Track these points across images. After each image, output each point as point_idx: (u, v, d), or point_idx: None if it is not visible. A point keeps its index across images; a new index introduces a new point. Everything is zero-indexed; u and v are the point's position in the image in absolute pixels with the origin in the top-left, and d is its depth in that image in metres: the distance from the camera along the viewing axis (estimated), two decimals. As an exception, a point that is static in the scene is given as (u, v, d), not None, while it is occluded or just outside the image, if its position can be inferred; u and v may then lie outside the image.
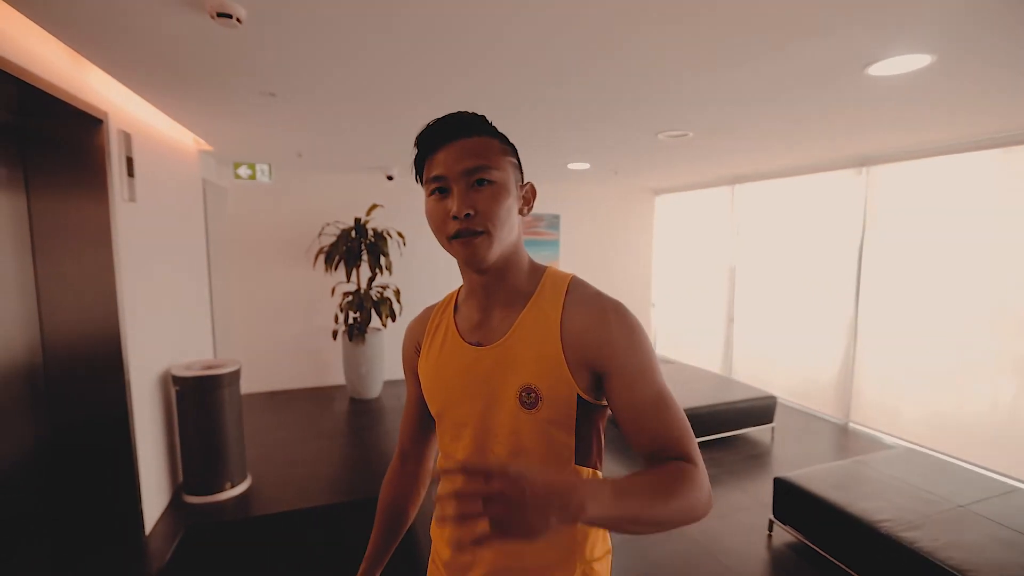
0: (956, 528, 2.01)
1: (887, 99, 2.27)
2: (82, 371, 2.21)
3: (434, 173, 0.73)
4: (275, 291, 4.79)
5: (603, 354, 0.71)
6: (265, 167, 4.17)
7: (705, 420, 3.50)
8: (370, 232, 4.55)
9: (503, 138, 0.78)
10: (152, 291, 2.62)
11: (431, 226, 0.75)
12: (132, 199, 2.37)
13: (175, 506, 2.73)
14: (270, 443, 3.61)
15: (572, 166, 4.46)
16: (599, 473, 0.79)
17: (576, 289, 0.78)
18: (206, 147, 3.60)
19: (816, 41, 1.64)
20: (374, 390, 4.64)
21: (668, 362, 5.92)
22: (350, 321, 4.55)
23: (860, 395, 3.96)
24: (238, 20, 1.46)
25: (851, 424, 4.01)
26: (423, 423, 0.94)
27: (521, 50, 1.76)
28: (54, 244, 2.13)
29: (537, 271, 0.81)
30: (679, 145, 3.41)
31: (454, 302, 0.87)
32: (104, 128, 2.13)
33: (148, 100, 2.47)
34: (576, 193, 5.88)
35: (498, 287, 0.78)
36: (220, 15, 1.43)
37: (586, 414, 0.74)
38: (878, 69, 1.85)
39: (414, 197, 5.06)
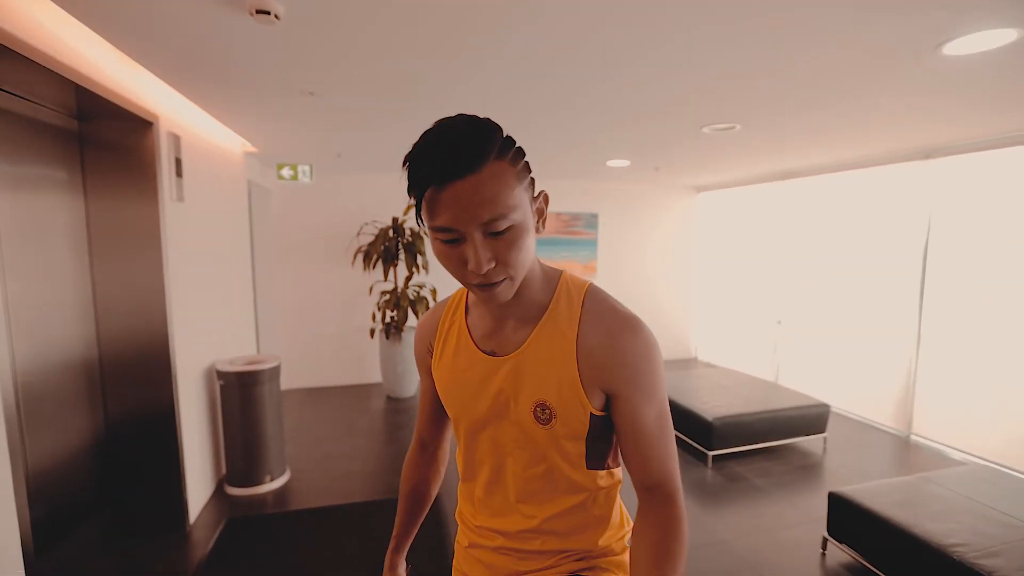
0: (1042, 557, 1.81)
1: (963, 81, 2.07)
2: (133, 365, 2.30)
3: (440, 223, 0.62)
4: (315, 289, 4.90)
5: (615, 377, 0.71)
6: (306, 168, 4.26)
7: (751, 428, 3.32)
8: (407, 231, 4.58)
9: (512, 152, 0.65)
10: (198, 288, 2.70)
11: (446, 268, 0.67)
12: (180, 199, 2.45)
13: (218, 497, 2.81)
14: (309, 438, 3.68)
15: (611, 163, 4.35)
16: (614, 470, 0.83)
17: (592, 302, 0.75)
18: (251, 149, 3.72)
19: (884, 19, 1.50)
20: (410, 388, 4.68)
21: (710, 367, 5.70)
22: (387, 320, 4.60)
23: (924, 405, 3.68)
24: (276, 17, 1.47)
25: (913, 437, 3.72)
26: (438, 414, 0.96)
27: (560, 44, 1.70)
28: (108, 243, 2.22)
29: (551, 279, 0.78)
30: (725, 139, 3.25)
31: (464, 304, 0.84)
32: (154, 130, 2.21)
33: (194, 102, 2.55)
34: (615, 191, 5.75)
35: (513, 300, 0.74)
36: (259, 12, 1.44)
37: (597, 425, 0.76)
38: (954, 48, 1.68)
39: (451, 197, 5.06)
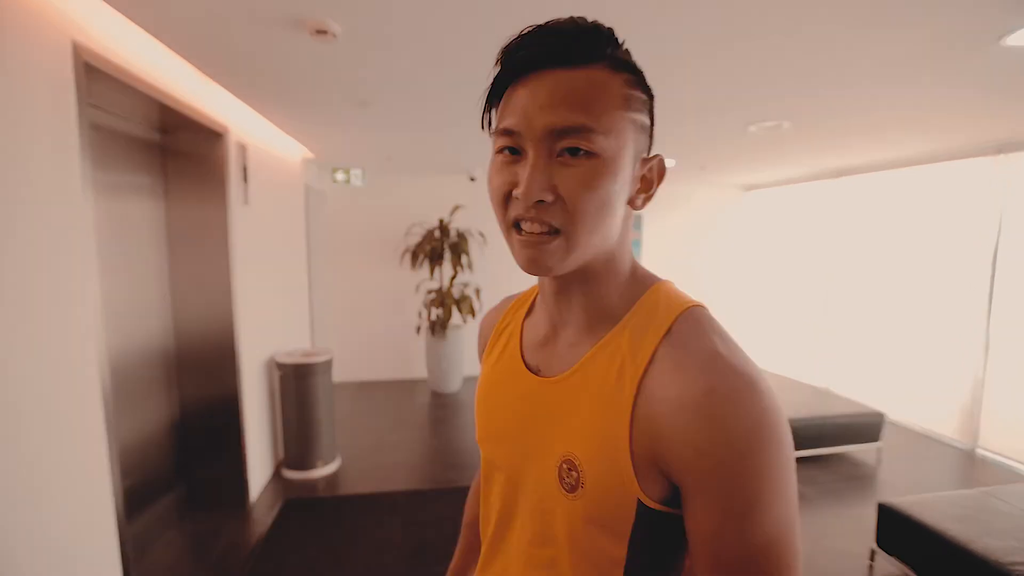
0: (1117, 582, 1.69)
1: (1030, 75, 1.96)
2: (203, 354, 2.53)
3: (505, 123, 0.47)
4: (365, 287, 5.13)
5: (689, 465, 0.44)
6: (359, 172, 4.48)
7: (797, 435, 3.22)
8: (453, 232, 4.72)
9: (634, 74, 0.49)
10: (260, 285, 2.92)
11: (490, 196, 0.51)
12: (246, 203, 2.66)
13: (276, 479, 3.03)
14: (358, 429, 3.88)
15: (654, 163, 4.31)
16: None
17: (683, 332, 0.48)
18: (309, 155, 3.95)
19: (939, 9, 1.46)
20: (454, 384, 4.82)
21: (758, 370, 5.53)
22: (433, 317, 4.75)
23: (992, 417, 3.44)
24: (333, 35, 1.59)
25: (979, 450, 3.49)
26: None
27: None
28: (184, 243, 2.45)
29: (639, 285, 0.55)
30: (773, 137, 3.18)
31: (531, 302, 0.66)
32: (225, 140, 2.42)
33: (260, 113, 2.77)
34: (659, 191, 5.60)
35: (573, 296, 0.54)
36: (318, 32, 1.57)
37: (655, 525, 0.48)
38: (1018, 39, 1.60)
39: (494, 198, 5.17)
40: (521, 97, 0.47)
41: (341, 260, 5.04)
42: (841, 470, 3.21)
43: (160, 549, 2.27)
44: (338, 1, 1.43)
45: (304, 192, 4.00)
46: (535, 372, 0.58)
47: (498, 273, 5.23)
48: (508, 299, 0.71)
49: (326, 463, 3.12)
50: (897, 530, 2.16)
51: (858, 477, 3.13)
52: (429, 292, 4.78)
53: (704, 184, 5.74)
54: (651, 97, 0.52)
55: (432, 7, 1.47)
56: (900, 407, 4.04)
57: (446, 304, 4.62)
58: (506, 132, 0.48)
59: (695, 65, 1.91)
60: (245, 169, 2.64)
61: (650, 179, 0.53)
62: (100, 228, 1.95)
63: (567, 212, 0.46)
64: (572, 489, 0.50)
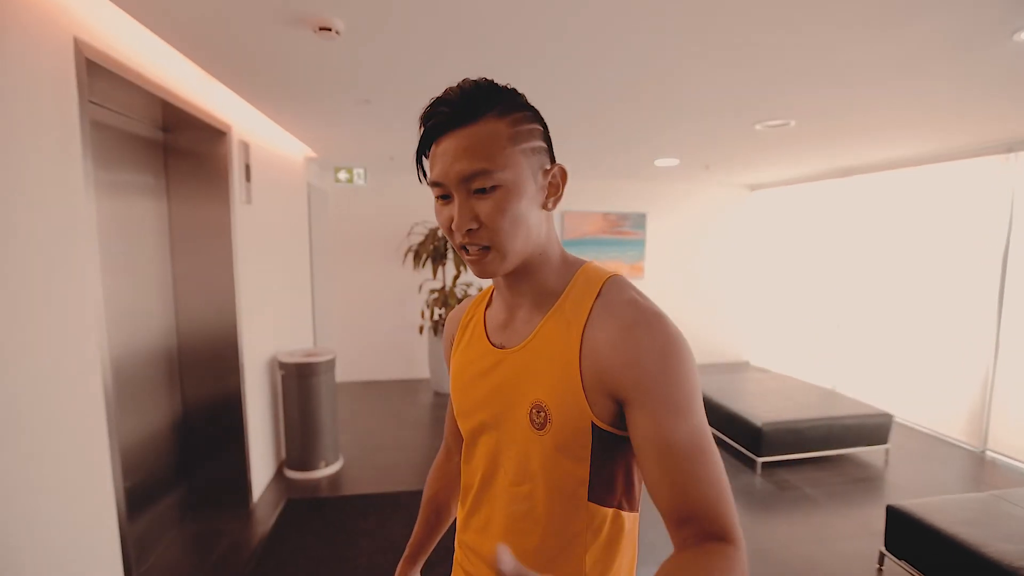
0: None
1: (1044, 71, 1.93)
2: (206, 353, 2.51)
3: (431, 176, 0.63)
4: (368, 287, 5.12)
5: (624, 379, 0.59)
6: (361, 171, 4.47)
7: (804, 435, 3.20)
8: (455, 231, 4.71)
9: (518, 112, 0.62)
10: (263, 284, 2.91)
11: (441, 228, 0.67)
12: (248, 202, 2.65)
13: (278, 479, 3.02)
14: (361, 429, 3.87)
15: (659, 163, 4.29)
16: (625, 515, 0.67)
17: (609, 293, 0.65)
18: (311, 154, 3.94)
19: (950, 6, 1.43)
20: (456, 384, 4.79)
21: (763, 372, 5.50)
22: (435, 317, 4.74)
23: (1002, 419, 3.40)
24: (337, 32, 1.58)
25: (989, 452, 3.45)
26: None
27: (607, 41, 1.72)
28: (186, 242, 2.44)
29: (570, 267, 0.70)
30: (779, 136, 3.15)
31: (490, 295, 0.80)
32: (227, 139, 2.41)
33: (262, 112, 2.75)
34: (663, 191, 5.65)
35: (522, 285, 0.70)
36: (322, 28, 1.55)
37: (607, 445, 0.63)
38: (1031, 35, 1.57)
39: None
40: (439, 155, 0.62)
41: (344, 259, 5.03)
42: (848, 472, 3.18)
43: (162, 549, 2.26)
44: (341, -3, 1.41)
45: (307, 191, 3.99)
46: (500, 348, 0.72)
47: (501, 273, 5.22)
48: (468, 300, 0.86)
49: (328, 463, 3.11)
50: (906, 533, 2.13)
51: (866, 479, 3.10)
52: (432, 292, 4.77)
53: (709, 184, 5.71)
54: (544, 126, 0.66)
55: (435, 4, 1.45)
56: (908, 408, 4.00)
57: (449, 304, 4.60)
58: (435, 184, 0.63)
59: (701, 64, 1.89)
60: (248, 168, 2.63)
61: (555, 184, 0.66)
62: (102, 227, 1.94)
63: (491, 232, 0.61)
64: (542, 427, 0.64)
